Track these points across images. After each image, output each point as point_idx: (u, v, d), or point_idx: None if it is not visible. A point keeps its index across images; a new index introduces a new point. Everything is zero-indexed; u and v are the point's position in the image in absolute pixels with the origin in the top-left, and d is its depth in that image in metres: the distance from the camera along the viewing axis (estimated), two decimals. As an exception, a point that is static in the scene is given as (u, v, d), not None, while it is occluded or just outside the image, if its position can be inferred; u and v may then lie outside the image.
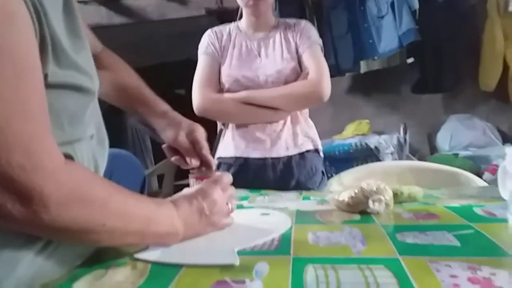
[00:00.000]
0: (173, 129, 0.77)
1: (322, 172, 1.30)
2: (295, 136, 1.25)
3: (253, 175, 1.21)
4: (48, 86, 0.41)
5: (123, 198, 0.47)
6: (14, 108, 0.35)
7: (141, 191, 0.94)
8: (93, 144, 0.52)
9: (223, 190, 0.61)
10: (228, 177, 0.65)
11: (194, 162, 0.77)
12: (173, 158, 0.80)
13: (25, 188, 0.36)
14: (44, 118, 0.39)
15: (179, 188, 0.66)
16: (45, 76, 0.41)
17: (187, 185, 0.71)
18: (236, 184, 0.68)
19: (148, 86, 0.82)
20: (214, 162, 0.79)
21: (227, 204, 0.62)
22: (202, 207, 0.56)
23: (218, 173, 0.71)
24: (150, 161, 3.44)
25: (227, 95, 1.21)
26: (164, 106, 0.81)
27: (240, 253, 0.50)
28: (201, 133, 0.78)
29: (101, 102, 0.60)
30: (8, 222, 0.37)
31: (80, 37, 0.49)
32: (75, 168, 0.44)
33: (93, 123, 0.53)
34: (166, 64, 4.08)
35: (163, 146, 0.81)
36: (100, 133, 0.56)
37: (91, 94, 0.51)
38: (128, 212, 0.47)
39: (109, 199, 0.45)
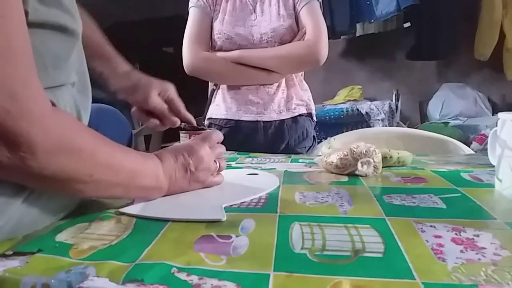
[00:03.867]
0: (142, 90, 0.73)
1: (314, 137, 1.29)
2: (289, 99, 1.21)
3: (243, 138, 1.20)
4: (30, 25, 0.38)
5: (111, 149, 0.46)
6: None
7: (127, 148, 0.92)
8: (75, 92, 0.50)
9: (211, 148, 0.60)
10: (217, 135, 0.64)
11: (175, 122, 0.75)
12: (149, 121, 0.76)
13: (12, 134, 0.34)
14: (30, 60, 0.36)
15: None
16: (26, 14, 0.38)
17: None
18: (226, 146, 0.67)
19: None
20: (193, 119, 0.77)
21: (215, 162, 0.61)
22: (188, 163, 0.56)
23: (209, 130, 0.70)
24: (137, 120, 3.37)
25: (219, 54, 1.16)
26: (126, 66, 0.76)
27: (227, 209, 0.50)
28: (173, 91, 0.75)
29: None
30: None
31: None
32: (63, 116, 0.42)
33: (76, 69, 0.51)
34: (154, 19, 3.92)
35: (132, 110, 0.77)
36: (83, 81, 0.53)
37: (75, 36, 0.48)
38: (115, 164, 0.46)
39: (97, 149, 0.43)
